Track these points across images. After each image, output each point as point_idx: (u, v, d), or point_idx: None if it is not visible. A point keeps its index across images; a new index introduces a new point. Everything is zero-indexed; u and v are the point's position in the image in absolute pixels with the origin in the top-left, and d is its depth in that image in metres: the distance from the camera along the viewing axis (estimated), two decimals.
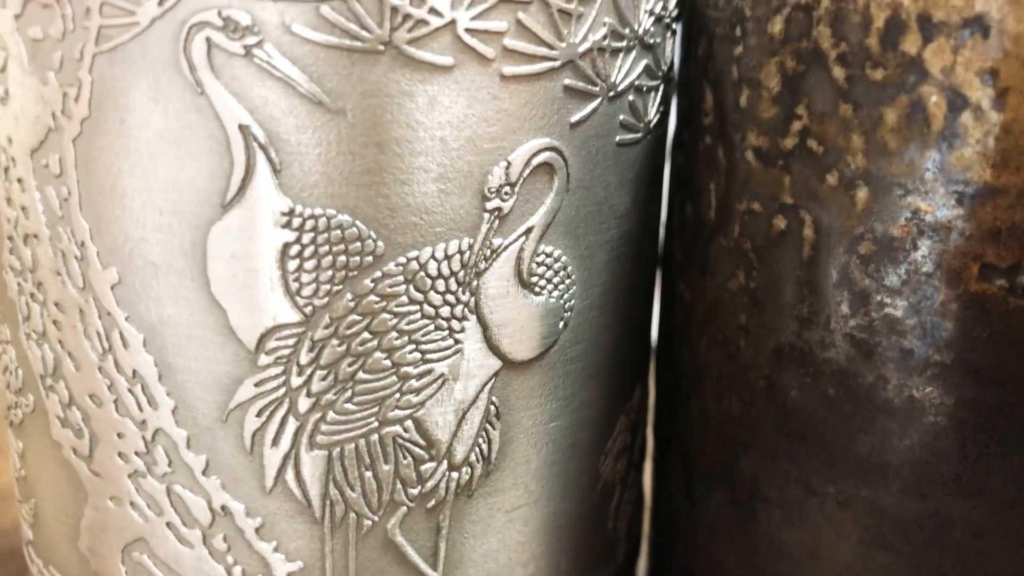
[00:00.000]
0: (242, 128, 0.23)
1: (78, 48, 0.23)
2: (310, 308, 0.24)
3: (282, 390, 0.25)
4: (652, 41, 0.27)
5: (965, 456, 0.25)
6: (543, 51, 0.24)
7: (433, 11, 0.23)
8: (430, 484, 0.26)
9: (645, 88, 0.27)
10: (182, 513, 0.26)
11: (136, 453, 0.26)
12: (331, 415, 0.25)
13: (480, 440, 0.26)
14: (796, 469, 0.28)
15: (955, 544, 0.25)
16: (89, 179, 0.24)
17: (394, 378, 0.25)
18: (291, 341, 0.24)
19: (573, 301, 0.27)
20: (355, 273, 0.24)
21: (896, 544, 0.26)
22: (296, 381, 0.25)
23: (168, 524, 0.26)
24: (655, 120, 0.28)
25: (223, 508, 0.26)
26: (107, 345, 0.25)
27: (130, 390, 0.25)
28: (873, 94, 0.24)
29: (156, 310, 0.24)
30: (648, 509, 0.36)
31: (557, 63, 0.24)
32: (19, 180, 0.25)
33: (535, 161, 0.25)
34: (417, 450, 0.26)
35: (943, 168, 0.23)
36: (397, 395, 0.25)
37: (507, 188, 0.25)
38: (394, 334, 0.25)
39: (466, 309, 0.25)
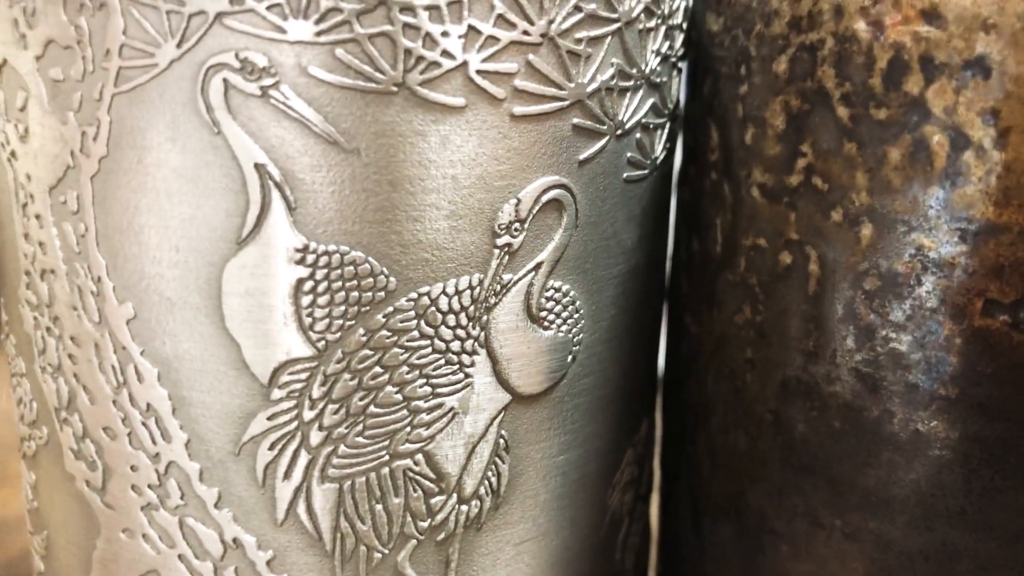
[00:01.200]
0: (258, 167, 0.23)
1: (97, 88, 0.24)
2: (323, 343, 0.24)
3: (294, 424, 0.25)
4: (659, 80, 0.28)
5: (970, 490, 0.25)
6: (552, 91, 0.25)
7: (445, 53, 0.23)
8: (440, 517, 0.26)
9: (652, 126, 0.28)
10: (194, 546, 0.26)
11: (149, 486, 0.26)
12: (342, 448, 0.25)
13: (489, 473, 0.27)
14: (803, 502, 0.28)
15: None
16: (106, 216, 0.25)
17: (405, 412, 0.25)
18: (304, 375, 0.25)
19: (581, 335, 0.27)
20: (367, 308, 0.24)
21: None
22: (308, 415, 0.25)
23: (180, 556, 0.26)
24: (662, 157, 0.29)
25: (235, 541, 0.26)
26: (122, 379, 0.26)
27: (144, 423, 0.26)
28: (877, 133, 0.24)
29: (171, 345, 0.25)
30: (655, 542, 0.36)
31: (566, 103, 0.25)
32: (37, 216, 0.26)
33: (544, 198, 0.25)
34: (427, 483, 0.26)
35: (946, 205, 0.24)
36: (408, 429, 0.25)
37: (517, 224, 0.25)
38: (405, 368, 0.25)
39: (476, 343, 0.25)
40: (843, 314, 0.26)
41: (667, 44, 0.27)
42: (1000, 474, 0.25)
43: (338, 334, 0.24)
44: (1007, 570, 0.25)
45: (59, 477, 0.28)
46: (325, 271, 0.24)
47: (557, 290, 0.26)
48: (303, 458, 0.25)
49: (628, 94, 0.26)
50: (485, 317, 0.25)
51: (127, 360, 0.25)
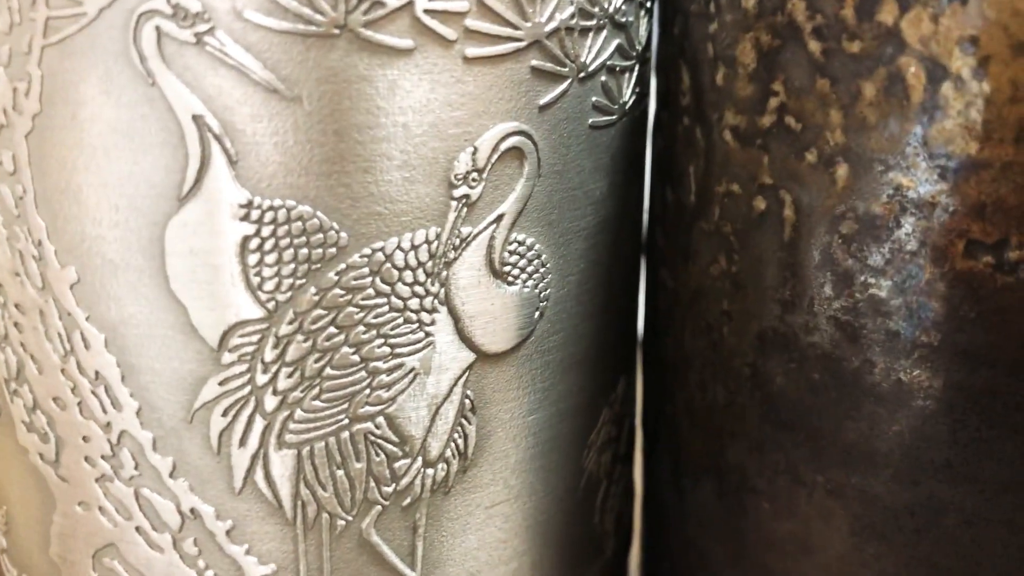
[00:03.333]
0: (196, 119, 0.22)
1: (26, 41, 0.23)
2: (273, 303, 0.23)
3: (247, 388, 0.24)
4: (624, 20, 0.26)
5: (956, 441, 0.24)
6: (507, 31, 0.23)
7: None
8: (405, 481, 0.25)
9: (619, 68, 0.27)
10: (151, 517, 0.25)
11: (102, 457, 0.25)
12: (299, 413, 0.24)
13: (455, 435, 0.26)
14: (784, 458, 0.27)
15: (948, 532, 0.25)
16: (43, 176, 0.23)
17: (363, 373, 0.24)
18: (255, 338, 0.23)
19: (549, 290, 0.26)
20: (318, 266, 0.23)
21: (887, 533, 0.25)
22: (261, 379, 0.24)
23: (137, 529, 0.26)
24: (631, 102, 0.28)
25: (192, 511, 0.25)
26: (68, 346, 0.25)
27: (93, 392, 0.25)
28: (850, 67, 0.23)
29: (116, 309, 0.24)
30: (639, 501, 0.36)
31: (523, 44, 0.24)
32: None
33: (503, 146, 0.24)
34: (390, 447, 0.25)
35: (925, 142, 0.23)
36: (367, 391, 0.24)
37: (474, 174, 0.24)
38: (361, 328, 0.24)
39: (436, 301, 0.24)
40: (820, 260, 0.25)
41: None
42: (987, 423, 0.24)
43: (289, 293, 0.23)
44: (995, 523, 0.24)
45: (13, 451, 0.27)
46: (272, 227, 0.23)
47: (521, 243, 0.25)
48: (258, 424, 0.24)
49: (591, 34, 0.25)
50: (444, 273, 0.24)
51: (73, 327, 0.24)
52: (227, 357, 0.24)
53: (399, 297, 0.24)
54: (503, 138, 0.24)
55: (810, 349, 0.25)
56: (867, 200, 0.24)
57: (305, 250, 0.23)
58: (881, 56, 0.23)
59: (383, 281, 0.24)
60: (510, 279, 0.25)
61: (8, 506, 0.29)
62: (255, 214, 0.23)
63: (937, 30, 0.22)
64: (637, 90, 0.28)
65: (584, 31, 0.25)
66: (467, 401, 0.26)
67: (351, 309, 0.24)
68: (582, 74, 0.25)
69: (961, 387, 0.24)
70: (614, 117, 0.27)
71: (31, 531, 0.28)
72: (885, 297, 0.24)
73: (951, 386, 0.24)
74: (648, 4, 0.28)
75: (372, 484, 0.25)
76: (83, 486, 0.26)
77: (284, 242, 0.23)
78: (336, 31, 0.22)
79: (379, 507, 0.25)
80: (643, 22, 0.28)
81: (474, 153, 0.24)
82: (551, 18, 0.24)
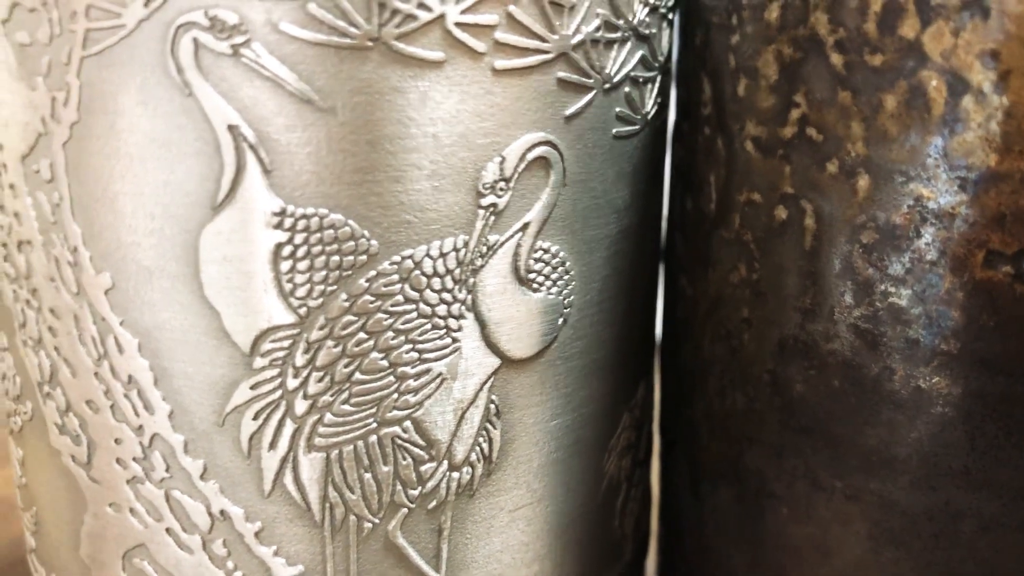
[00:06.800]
0: (231, 129, 0.22)
1: (65, 52, 0.23)
2: (304, 309, 0.24)
3: (278, 392, 0.24)
4: (647, 32, 0.27)
5: (974, 447, 0.25)
6: (535, 44, 0.24)
7: (422, 6, 0.22)
8: (431, 485, 0.26)
9: (642, 79, 0.27)
10: (181, 519, 0.26)
11: (134, 459, 0.26)
12: (328, 417, 0.25)
13: (480, 439, 0.26)
14: (802, 464, 0.27)
15: (965, 538, 0.25)
16: (80, 184, 0.24)
17: (391, 378, 0.25)
18: (286, 343, 0.24)
19: (572, 297, 0.27)
20: (349, 273, 0.24)
21: (905, 539, 0.26)
22: (292, 383, 0.24)
23: (168, 530, 0.26)
24: (653, 112, 0.28)
25: (222, 513, 0.25)
26: (102, 351, 0.25)
27: (126, 395, 0.25)
28: (872, 80, 0.24)
29: (150, 315, 0.24)
30: (656, 506, 0.36)
31: (550, 56, 0.24)
32: (11, 186, 0.25)
33: (530, 156, 0.25)
34: (417, 450, 0.25)
35: (945, 154, 0.23)
36: (395, 395, 0.25)
37: (502, 184, 0.24)
38: (390, 334, 0.24)
39: (463, 307, 0.25)
40: (840, 269, 0.25)
41: None
42: (1004, 431, 0.24)
43: (320, 300, 0.24)
44: (1011, 529, 0.25)
45: (45, 452, 0.28)
46: (304, 235, 0.23)
47: (546, 251, 0.26)
48: (288, 427, 0.25)
49: (615, 46, 0.26)
50: (472, 280, 0.25)
51: (107, 331, 0.25)
52: (259, 362, 0.24)
53: (427, 303, 0.24)
54: (530, 148, 0.24)
55: (830, 356, 0.26)
56: (888, 210, 0.24)
57: (336, 257, 0.23)
58: (903, 69, 0.23)
59: (412, 288, 0.24)
60: (535, 286, 0.26)
61: (38, 507, 0.29)
62: (288, 222, 0.23)
63: (958, 44, 0.22)
64: (659, 100, 0.28)
65: (609, 43, 0.25)
66: (492, 406, 0.26)
67: (380, 315, 0.24)
68: (607, 85, 0.26)
69: (979, 395, 0.24)
70: (637, 127, 0.27)
71: (61, 531, 0.28)
72: (905, 306, 0.24)
73: (969, 394, 0.24)
74: (670, 16, 0.28)
75: (399, 487, 0.26)
76: (114, 488, 0.26)
77: (316, 249, 0.23)
78: (369, 44, 0.22)
79: (405, 510, 0.26)
80: (665, 34, 0.28)
81: (502, 163, 0.24)
82: (577, 31, 0.24)
